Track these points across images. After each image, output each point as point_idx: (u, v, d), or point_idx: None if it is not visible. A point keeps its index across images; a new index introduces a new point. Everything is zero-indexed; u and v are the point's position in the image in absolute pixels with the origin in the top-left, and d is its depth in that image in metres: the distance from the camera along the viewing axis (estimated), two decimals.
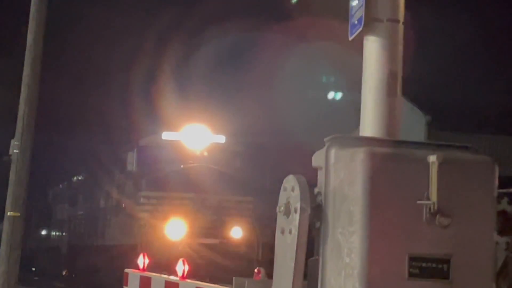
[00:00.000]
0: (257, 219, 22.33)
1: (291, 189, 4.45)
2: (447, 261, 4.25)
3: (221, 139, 23.12)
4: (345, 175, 4.29)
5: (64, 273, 34.43)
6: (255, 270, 8.63)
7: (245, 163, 23.42)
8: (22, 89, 14.80)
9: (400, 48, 4.87)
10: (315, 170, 4.53)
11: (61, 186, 38.36)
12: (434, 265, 4.24)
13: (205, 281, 10.69)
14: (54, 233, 38.99)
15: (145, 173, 22.74)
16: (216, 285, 9.45)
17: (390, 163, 4.25)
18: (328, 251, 4.33)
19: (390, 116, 4.79)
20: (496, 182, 4.42)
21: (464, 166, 4.35)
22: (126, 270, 12.14)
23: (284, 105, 32.76)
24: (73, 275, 32.25)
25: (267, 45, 33.36)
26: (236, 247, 21.82)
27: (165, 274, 11.05)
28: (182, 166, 22.40)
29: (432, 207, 4.21)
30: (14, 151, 14.65)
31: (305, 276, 4.45)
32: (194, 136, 22.78)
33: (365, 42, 4.86)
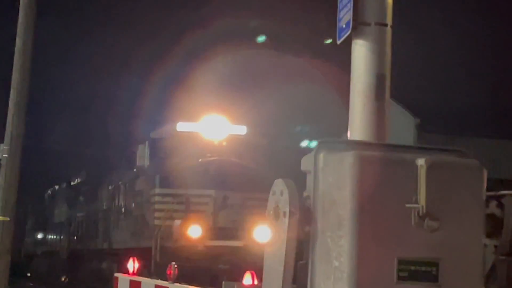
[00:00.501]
0: None
1: (280, 193, 4.45)
2: (436, 265, 4.26)
3: (242, 130, 20.74)
4: (333, 179, 4.29)
5: (63, 279, 32.79)
6: None
7: (268, 157, 20.62)
8: (11, 92, 14.78)
9: (388, 51, 4.89)
10: None
11: (58, 187, 36.56)
12: (423, 268, 4.25)
13: None
14: (51, 237, 36.97)
15: (159, 168, 20.25)
16: None
17: (378, 167, 4.26)
18: (317, 255, 4.33)
19: (378, 120, 4.80)
20: (485, 185, 4.43)
21: (452, 169, 4.36)
22: (116, 274, 12.14)
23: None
24: (73, 282, 30.41)
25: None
26: (262, 250, 20.46)
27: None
28: (200, 160, 19.82)
29: (420, 211, 4.22)
30: (4, 155, 14.61)
31: (294, 280, 4.45)
32: (212, 126, 20.26)
33: (353, 45, 4.88)
